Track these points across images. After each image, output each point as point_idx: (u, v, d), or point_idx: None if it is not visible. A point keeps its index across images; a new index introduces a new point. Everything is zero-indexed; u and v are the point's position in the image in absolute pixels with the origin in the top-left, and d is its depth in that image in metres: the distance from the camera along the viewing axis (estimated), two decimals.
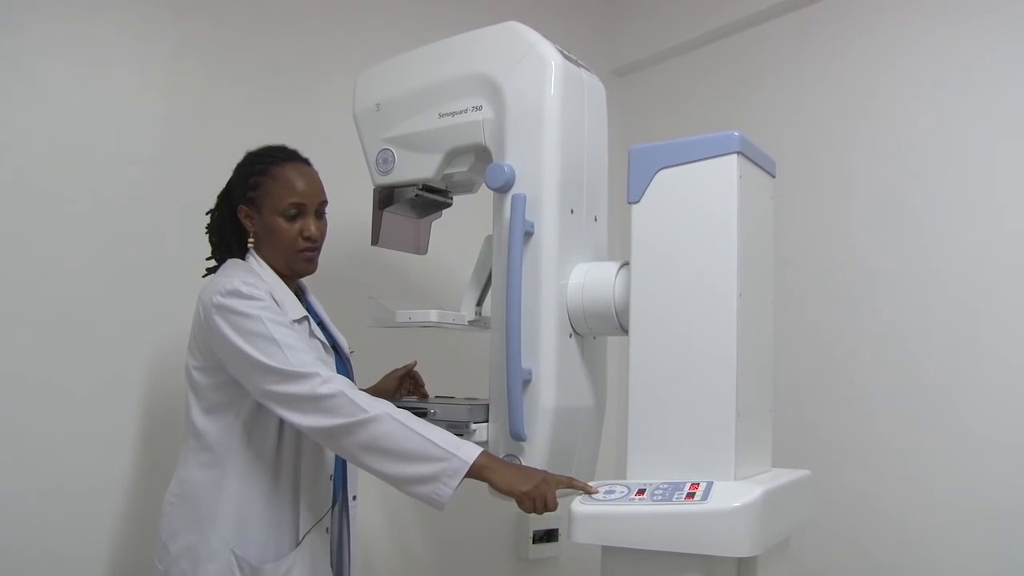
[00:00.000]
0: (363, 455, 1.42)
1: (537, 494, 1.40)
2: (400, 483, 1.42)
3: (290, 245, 1.60)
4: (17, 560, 1.81)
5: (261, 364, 1.43)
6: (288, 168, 1.62)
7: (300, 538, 1.55)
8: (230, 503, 1.51)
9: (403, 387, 1.91)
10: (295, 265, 1.63)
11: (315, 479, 1.59)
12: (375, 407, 1.41)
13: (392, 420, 1.40)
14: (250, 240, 1.63)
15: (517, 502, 1.42)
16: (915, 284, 2.05)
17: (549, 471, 1.48)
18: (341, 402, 1.40)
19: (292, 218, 1.60)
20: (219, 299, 1.49)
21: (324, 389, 1.41)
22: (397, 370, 1.92)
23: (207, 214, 1.72)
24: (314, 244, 1.63)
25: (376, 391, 1.84)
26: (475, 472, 1.40)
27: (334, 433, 1.41)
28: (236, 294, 1.48)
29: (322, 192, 1.66)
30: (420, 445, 1.39)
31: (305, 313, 1.61)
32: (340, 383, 1.43)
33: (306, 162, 1.68)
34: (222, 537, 1.48)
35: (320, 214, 1.66)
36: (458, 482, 1.39)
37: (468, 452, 1.40)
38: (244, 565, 1.49)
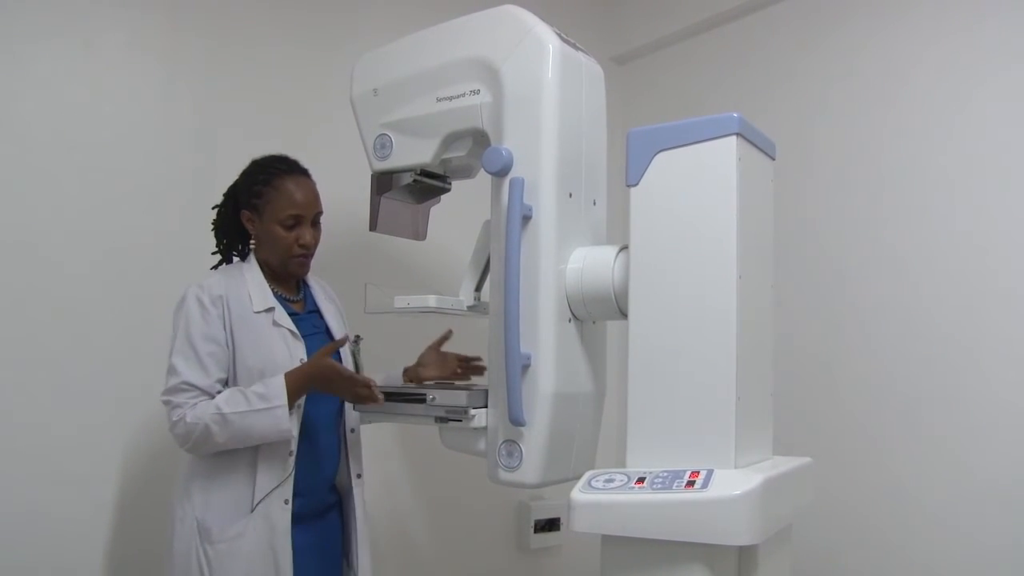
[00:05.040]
0: (229, 444, 1.62)
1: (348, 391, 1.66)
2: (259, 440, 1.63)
3: (287, 251, 1.75)
4: (16, 552, 1.82)
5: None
6: (289, 181, 1.75)
7: (254, 505, 1.64)
8: (200, 474, 1.67)
9: (449, 368, 1.96)
10: (290, 268, 1.78)
11: (272, 452, 1.67)
12: (200, 417, 1.60)
13: (214, 417, 1.60)
14: (251, 242, 1.78)
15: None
16: (918, 266, 2.04)
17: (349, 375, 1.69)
18: (180, 431, 1.61)
19: (290, 227, 1.74)
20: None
21: (172, 417, 1.62)
22: (433, 344, 1.97)
23: (213, 209, 1.82)
24: (307, 251, 1.78)
25: (414, 370, 1.96)
26: (297, 398, 1.64)
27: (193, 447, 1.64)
28: (182, 302, 1.68)
29: (318, 203, 1.78)
30: (250, 419, 1.60)
31: (271, 305, 1.72)
32: (180, 415, 1.61)
33: (305, 173, 1.79)
34: (191, 504, 1.65)
35: (315, 223, 1.78)
36: (288, 423, 1.61)
37: (278, 394, 1.60)
38: (202, 530, 1.63)
